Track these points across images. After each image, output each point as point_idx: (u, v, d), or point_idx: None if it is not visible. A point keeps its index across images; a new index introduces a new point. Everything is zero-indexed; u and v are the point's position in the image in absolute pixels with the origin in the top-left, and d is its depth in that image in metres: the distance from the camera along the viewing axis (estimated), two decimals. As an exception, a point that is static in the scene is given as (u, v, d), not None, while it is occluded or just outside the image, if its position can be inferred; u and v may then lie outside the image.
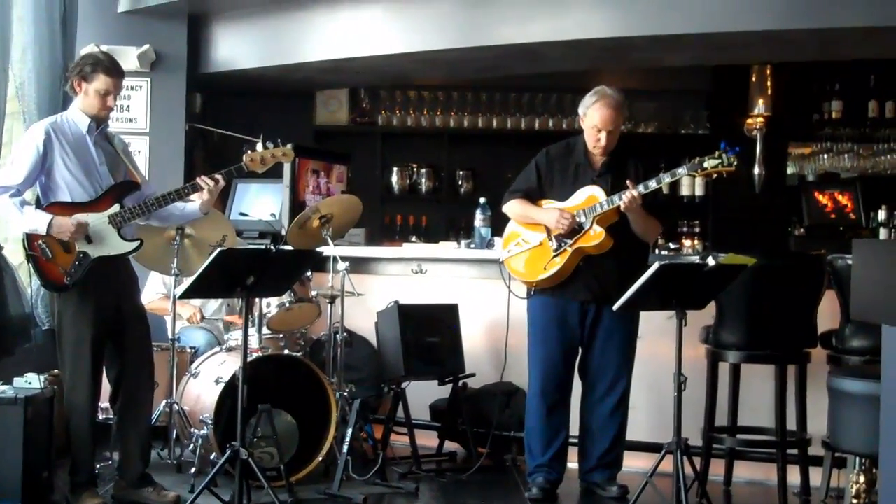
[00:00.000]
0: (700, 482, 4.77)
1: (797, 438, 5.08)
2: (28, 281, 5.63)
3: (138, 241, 4.73)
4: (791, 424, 5.09)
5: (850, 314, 4.67)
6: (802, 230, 8.12)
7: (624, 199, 4.69)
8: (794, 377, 5.09)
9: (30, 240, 4.58)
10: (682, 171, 4.72)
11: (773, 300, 4.98)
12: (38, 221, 4.55)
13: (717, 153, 4.67)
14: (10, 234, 5.34)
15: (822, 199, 7.97)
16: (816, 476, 4.93)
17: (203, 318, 6.24)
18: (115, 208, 4.65)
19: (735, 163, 4.68)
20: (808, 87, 8.76)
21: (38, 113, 5.77)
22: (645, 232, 4.92)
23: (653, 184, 4.72)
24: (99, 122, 4.76)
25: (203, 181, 4.71)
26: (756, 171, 8.57)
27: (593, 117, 4.90)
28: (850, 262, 4.75)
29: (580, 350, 5.05)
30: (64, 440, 4.81)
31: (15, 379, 4.77)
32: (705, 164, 4.67)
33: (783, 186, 8.90)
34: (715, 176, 4.75)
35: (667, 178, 4.72)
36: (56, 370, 5.02)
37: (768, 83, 8.64)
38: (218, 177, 4.73)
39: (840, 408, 4.27)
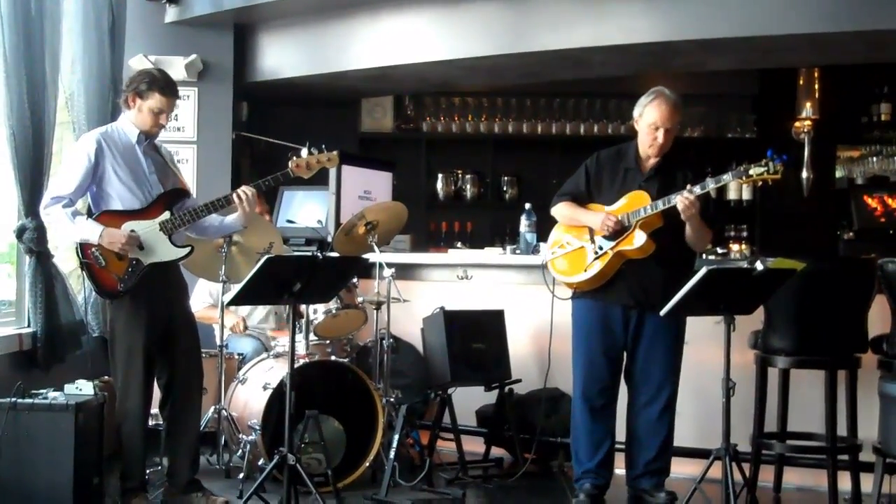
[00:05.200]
0: (749, 488, 4.73)
1: (848, 444, 5.03)
2: (78, 288, 5.71)
3: (189, 248, 4.78)
4: (842, 430, 5.03)
5: (901, 318, 4.63)
6: (852, 234, 8.06)
7: (679, 200, 4.64)
8: (844, 382, 5.03)
9: (83, 248, 4.63)
10: (727, 177, 4.66)
11: (823, 305, 4.93)
12: (90, 232, 4.59)
13: (763, 161, 4.60)
14: (60, 243, 5.41)
15: (872, 202, 7.90)
16: (868, 482, 4.86)
17: (246, 327, 6.27)
18: (166, 215, 4.70)
19: (781, 171, 4.62)
20: (857, 89, 8.68)
21: (87, 123, 5.85)
22: (697, 239, 4.84)
23: (699, 189, 4.67)
24: (148, 134, 4.82)
25: (237, 194, 4.76)
26: (804, 174, 8.51)
27: (651, 114, 4.84)
28: (900, 265, 4.71)
29: (625, 355, 5.03)
30: (115, 446, 4.86)
31: (66, 385, 4.80)
32: (751, 172, 4.61)
33: (832, 190, 8.83)
34: (761, 183, 4.71)
35: (711, 185, 4.66)
36: (106, 377, 5.07)
37: (816, 86, 8.58)
38: (250, 189, 4.78)
39: (892, 413, 4.23)
